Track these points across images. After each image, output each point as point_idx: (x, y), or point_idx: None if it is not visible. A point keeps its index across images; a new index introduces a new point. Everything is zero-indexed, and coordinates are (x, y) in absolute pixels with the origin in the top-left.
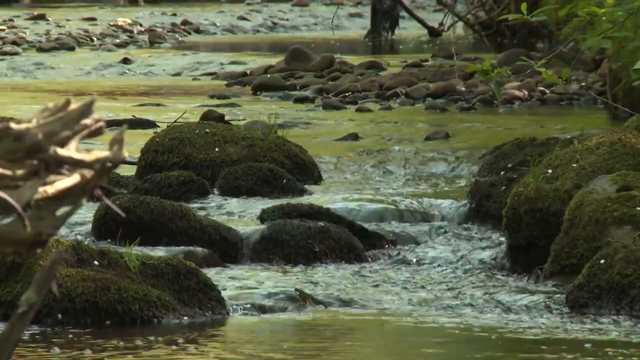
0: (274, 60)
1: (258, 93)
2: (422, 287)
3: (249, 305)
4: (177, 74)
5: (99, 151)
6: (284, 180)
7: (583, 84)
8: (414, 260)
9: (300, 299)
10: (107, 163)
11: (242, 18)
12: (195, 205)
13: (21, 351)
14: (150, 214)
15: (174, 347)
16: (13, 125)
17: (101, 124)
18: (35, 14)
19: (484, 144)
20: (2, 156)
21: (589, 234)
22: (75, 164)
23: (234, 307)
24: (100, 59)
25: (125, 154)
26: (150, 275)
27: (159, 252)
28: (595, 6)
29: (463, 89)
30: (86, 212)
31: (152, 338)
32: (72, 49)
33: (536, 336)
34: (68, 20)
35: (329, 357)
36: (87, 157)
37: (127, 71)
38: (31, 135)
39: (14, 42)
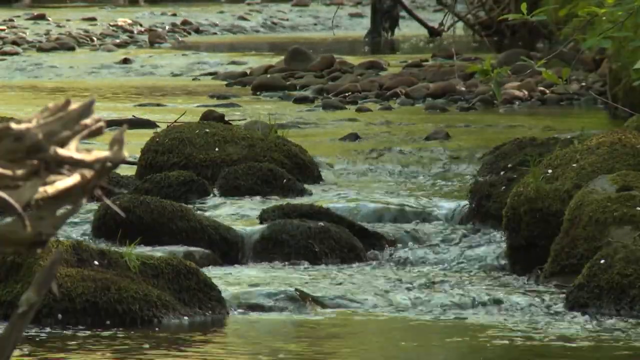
0: (274, 60)
1: (258, 93)
2: (422, 287)
3: (249, 305)
4: (177, 74)
5: (99, 151)
6: (284, 180)
7: (583, 84)
8: (414, 260)
9: (300, 299)
10: (107, 163)
11: (242, 18)
12: (195, 205)
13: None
14: (150, 214)
15: (174, 347)
16: (13, 125)
17: (101, 124)
18: (35, 14)
19: (484, 144)
20: (2, 156)
21: (589, 234)
22: (75, 164)
23: (234, 307)
24: (100, 59)
25: (125, 154)
26: (150, 275)
27: (159, 252)
28: (595, 6)
29: (463, 89)
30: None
31: (152, 338)
32: (72, 49)
33: (536, 336)
34: (68, 20)
35: (329, 357)
36: (87, 157)
37: (127, 71)
38: (31, 135)
39: (14, 42)
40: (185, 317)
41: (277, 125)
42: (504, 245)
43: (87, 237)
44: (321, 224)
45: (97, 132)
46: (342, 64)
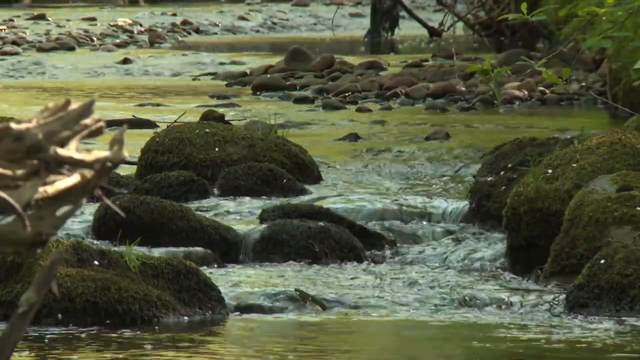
0: (274, 60)
1: (258, 93)
2: (422, 287)
3: (248, 306)
4: (177, 74)
5: (99, 151)
6: (284, 180)
7: (583, 84)
8: (414, 260)
9: (300, 299)
10: (107, 163)
11: (242, 18)
12: (195, 205)
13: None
14: (150, 214)
15: (174, 347)
16: (13, 125)
17: (101, 124)
18: (35, 14)
19: (484, 144)
20: (2, 156)
21: (589, 234)
22: (75, 164)
23: (234, 307)
24: (100, 59)
25: (125, 154)
26: (150, 275)
27: (159, 252)
28: (595, 6)
29: (463, 89)
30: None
31: (152, 338)
32: (72, 49)
33: (536, 336)
34: (68, 20)
35: (329, 357)
36: (87, 157)
37: (127, 71)
38: (31, 135)
39: (14, 42)
40: (185, 317)
41: (277, 125)
42: (504, 245)
43: (87, 237)
44: (321, 224)
45: (97, 132)
46: (342, 64)
